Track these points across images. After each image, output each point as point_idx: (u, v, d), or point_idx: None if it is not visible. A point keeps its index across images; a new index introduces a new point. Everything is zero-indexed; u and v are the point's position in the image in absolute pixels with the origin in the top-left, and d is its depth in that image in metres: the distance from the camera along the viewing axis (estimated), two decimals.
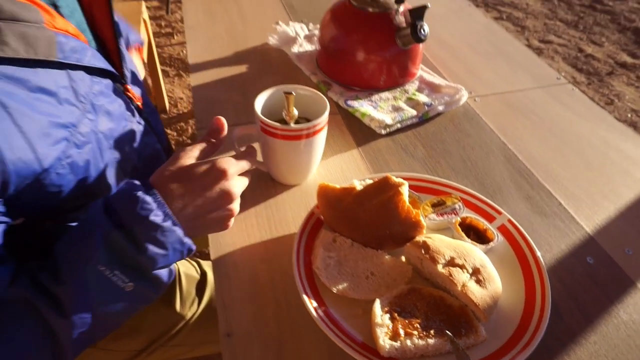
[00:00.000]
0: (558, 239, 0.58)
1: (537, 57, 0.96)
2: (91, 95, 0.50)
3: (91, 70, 0.51)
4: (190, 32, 0.97)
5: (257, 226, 0.57)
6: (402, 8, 0.76)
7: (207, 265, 0.79)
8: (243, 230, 0.57)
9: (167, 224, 0.43)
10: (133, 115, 0.60)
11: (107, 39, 0.59)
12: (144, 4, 1.96)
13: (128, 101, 0.59)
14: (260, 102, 0.59)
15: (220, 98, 0.78)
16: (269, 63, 0.88)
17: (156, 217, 0.42)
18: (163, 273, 0.45)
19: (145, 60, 1.83)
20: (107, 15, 0.58)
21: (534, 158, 0.70)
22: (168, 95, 2.30)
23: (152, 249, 0.42)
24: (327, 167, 0.67)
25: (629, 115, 2.32)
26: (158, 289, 0.46)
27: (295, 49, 0.89)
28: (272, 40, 0.92)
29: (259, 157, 0.61)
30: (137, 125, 0.60)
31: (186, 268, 0.77)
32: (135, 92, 0.62)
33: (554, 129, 0.76)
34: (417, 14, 0.73)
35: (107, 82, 0.54)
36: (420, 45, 0.80)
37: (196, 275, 0.76)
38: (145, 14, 1.92)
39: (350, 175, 0.65)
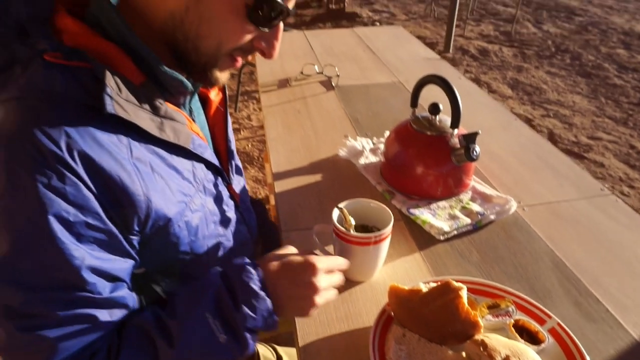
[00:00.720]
0: (607, 344, 0.64)
1: (581, 170, 1.06)
2: (204, 180, 0.68)
3: (208, 165, 0.69)
4: (272, 144, 1.15)
5: (337, 319, 0.68)
6: (456, 132, 0.90)
7: (282, 351, 0.89)
8: (325, 322, 0.67)
9: (262, 293, 0.57)
10: (230, 206, 0.76)
11: (221, 148, 0.79)
12: None
13: (229, 195, 0.76)
14: (336, 212, 0.73)
15: (300, 203, 0.93)
16: (339, 173, 1.03)
17: (254, 285, 0.57)
18: (249, 338, 0.57)
19: None
20: (223, 132, 0.79)
21: (581, 265, 0.78)
22: None
23: (246, 310, 0.56)
24: (393, 267, 0.77)
25: None
26: (242, 349, 0.58)
27: (362, 160, 1.04)
28: (342, 153, 1.08)
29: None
30: (233, 214, 0.76)
31: (264, 351, 0.87)
32: (236, 189, 0.80)
33: (599, 237, 0.84)
34: (470, 138, 0.87)
35: (217, 177, 0.72)
36: None
37: (273, 359, 0.86)
38: None
39: (414, 276, 0.76)
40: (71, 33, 0.56)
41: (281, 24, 0.63)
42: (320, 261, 0.62)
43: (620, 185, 2.52)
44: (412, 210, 0.89)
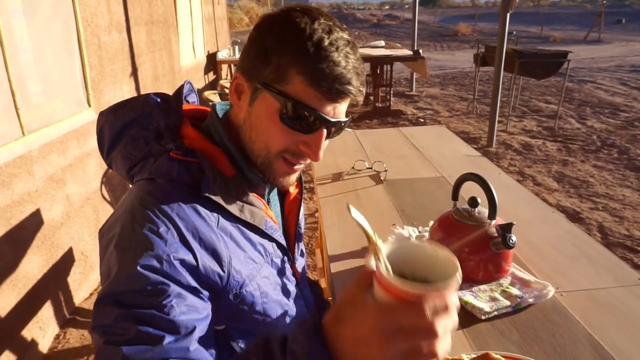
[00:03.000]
0: None
1: (619, 259, 1.12)
2: (273, 255, 0.84)
3: (278, 245, 0.85)
4: (327, 230, 1.30)
5: None
6: (494, 222, 1.02)
7: None
8: None
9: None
10: (292, 281, 0.90)
11: (291, 231, 0.95)
12: None
13: (292, 272, 0.90)
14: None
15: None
16: None
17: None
18: None
19: None
20: (295, 218, 0.95)
21: (619, 348, 0.83)
22: None
23: None
24: None
25: None
26: None
27: None
28: (391, 239, 1.20)
29: None
30: (294, 288, 0.90)
31: None
32: (298, 269, 0.94)
33: (636, 323, 0.90)
34: (506, 228, 0.98)
35: (284, 255, 0.87)
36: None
37: None
38: None
39: (456, 350, 0.83)
40: (191, 138, 0.79)
41: (324, 131, 0.73)
42: (430, 304, 0.46)
43: None
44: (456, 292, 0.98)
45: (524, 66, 5.23)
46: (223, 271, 0.71)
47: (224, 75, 6.34)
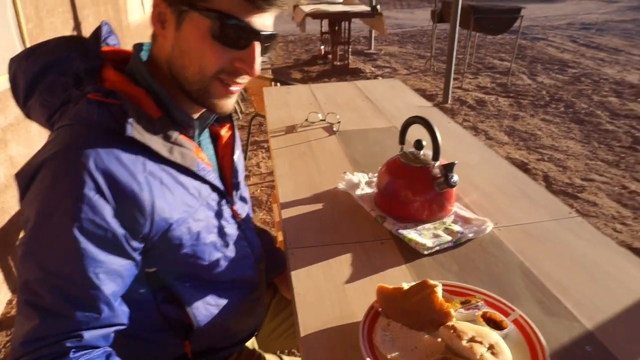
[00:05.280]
0: (562, 333, 0.76)
1: (553, 197, 1.19)
2: (208, 198, 0.84)
3: (213, 187, 0.85)
4: (280, 180, 1.31)
5: (333, 317, 0.80)
6: (437, 163, 1.05)
7: None
8: (323, 319, 0.80)
9: None
10: (231, 223, 0.90)
11: (227, 175, 0.94)
12: None
13: (231, 214, 0.91)
14: None
15: (303, 226, 1.07)
16: (338, 202, 1.18)
17: None
18: None
19: None
20: (230, 163, 0.94)
21: (546, 273, 0.90)
22: None
23: None
24: (383, 277, 0.90)
25: None
26: None
27: (358, 192, 1.19)
28: (341, 186, 1.23)
29: None
30: (234, 230, 0.91)
31: (271, 358, 0.98)
32: (238, 211, 0.94)
33: (564, 251, 0.97)
34: (448, 167, 1.02)
35: (221, 198, 0.88)
36: (454, 189, 1.07)
37: None
38: None
39: (400, 282, 0.88)
40: (112, 81, 0.76)
41: (256, 44, 0.73)
42: None
43: (613, 222, 2.63)
44: (401, 231, 1.02)
45: (479, 22, 5.28)
46: (145, 217, 0.71)
47: None
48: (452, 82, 4.86)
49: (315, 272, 0.92)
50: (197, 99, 0.77)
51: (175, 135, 0.77)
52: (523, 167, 3.36)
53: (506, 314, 0.76)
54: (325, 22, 6.53)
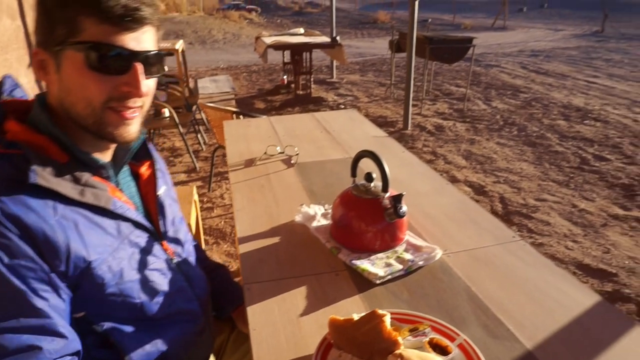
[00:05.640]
0: (505, 354, 0.80)
1: (499, 222, 1.26)
2: (131, 236, 0.84)
3: (137, 225, 0.85)
4: (238, 214, 1.32)
5: (287, 348, 0.82)
6: (387, 194, 1.10)
7: None
8: (277, 350, 0.81)
9: None
10: (161, 258, 0.91)
11: (152, 212, 0.95)
12: (194, 188, 2.44)
13: (161, 249, 0.92)
14: None
15: (260, 259, 1.09)
16: (295, 234, 1.20)
17: None
18: None
19: (194, 233, 2.21)
20: (154, 200, 0.96)
21: (491, 296, 0.95)
22: None
23: None
24: (336, 308, 0.93)
25: (626, 262, 2.51)
26: None
27: (314, 224, 1.22)
28: (298, 218, 1.26)
29: None
30: (166, 265, 0.91)
31: None
32: (172, 247, 0.95)
33: (508, 274, 1.02)
34: (397, 199, 1.07)
35: (148, 235, 0.88)
36: (405, 217, 1.12)
37: None
38: (195, 196, 2.38)
39: (352, 312, 0.91)
40: (13, 132, 0.77)
41: (137, 65, 0.74)
42: None
43: (565, 240, 2.76)
44: (354, 261, 1.06)
45: (434, 52, 5.53)
46: (60, 259, 0.72)
47: None
48: (411, 109, 5.03)
49: (271, 307, 0.94)
50: (96, 132, 0.78)
51: (87, 177, 0.79)
52: (480, 189, 3.49)
53: (452, 339, 0.80)
54: (288, 53, 6.67)
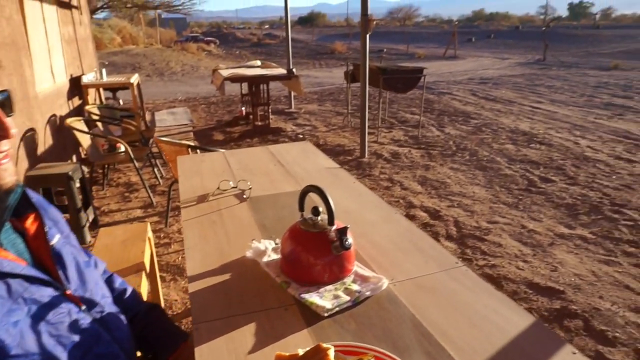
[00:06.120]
0: None
1: (442, 248, 1.32)
2: (25, 293, 0.79)
3: (31, 280, 0.82)
4: (188, 252, 1.32)
5: None
6: (333, 227, 1.14)
7: None
8: None
9: None
10: (66, 309, 0.87)
11: (48, 264, 0.92)
12: (149, 225, 2.40)
13: (67, 300, 0.88)
14: None
15: (210, 299, 1.09)
16: (245, 270, 1.21)
17: None
18: None
19: (148, 270, 2.16)
20: (47, 252, 0.92)
21: (435, 323, 0.99)
22: (164, 299, 2.57)
23: None
24: (285, 344, 0.94)
25: (572, 279, 2.63)
26: None
27: (265, 259, 1.24)
28: (248, 254, 1.27)
29: None
30: (72, 316, 0.87)
31: None
32: (78, 295, 0.92)
33: (450, 300, 1.07)
34: (342, 231, 1.11)
35: (48, 289, 0.84)
36: (353, 248, 1.15)
37: None
38: (150, 233, 2.33)
39: (300, 346, 0.92)
40: None
41: None
42: None
43: (516, 261, 2.87)
44: (303, 295, 1.07)
45: (387, 82, 5.74)
46: None
47: (90, 100, 5.94)
48: (367, 137, 5.17)
49: (219, 346, 0.94)
50: None
51: None
52: (436, 214, 3.59)
53: None
54: (245, 84, 6.74)
